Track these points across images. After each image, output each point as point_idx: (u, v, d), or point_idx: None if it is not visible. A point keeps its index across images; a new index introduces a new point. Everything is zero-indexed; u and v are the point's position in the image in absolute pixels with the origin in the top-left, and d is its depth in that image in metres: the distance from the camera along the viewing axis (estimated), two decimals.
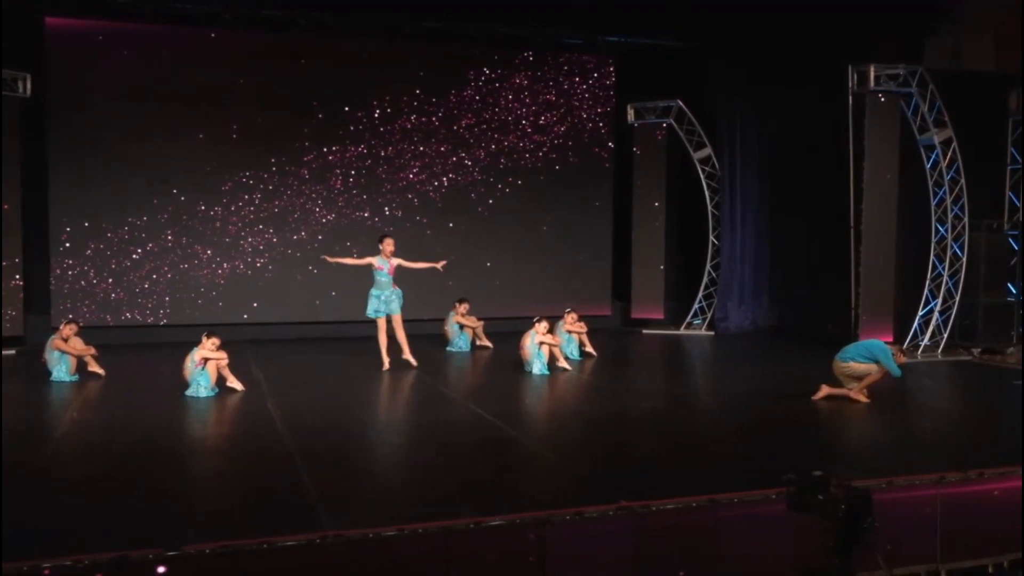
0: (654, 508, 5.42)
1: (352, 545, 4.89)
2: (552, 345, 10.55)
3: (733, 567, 5.29)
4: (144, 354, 11.83)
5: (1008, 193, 12.58)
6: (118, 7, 12.23)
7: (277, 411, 8.24)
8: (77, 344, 9.85)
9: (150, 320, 12.97)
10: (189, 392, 8.85)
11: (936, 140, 11.79)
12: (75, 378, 9.77)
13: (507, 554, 5.09)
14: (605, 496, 5.56)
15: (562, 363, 10.62)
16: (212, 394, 8.88)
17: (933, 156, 11.90)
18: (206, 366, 8.88)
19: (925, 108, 11.71)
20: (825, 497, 3.32)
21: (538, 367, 10.34)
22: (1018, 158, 12.52)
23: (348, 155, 13.70)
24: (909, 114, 11.84)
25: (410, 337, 10.77)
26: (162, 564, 4.58)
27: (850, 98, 11.93)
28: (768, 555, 5.32)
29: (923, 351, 11.81)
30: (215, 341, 9.03)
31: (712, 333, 14.32)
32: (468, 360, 11.88)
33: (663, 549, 5.32)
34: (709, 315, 14.65)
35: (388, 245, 10.42)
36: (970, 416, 8.98)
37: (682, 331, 14.56)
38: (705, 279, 14.69)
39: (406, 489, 5.96)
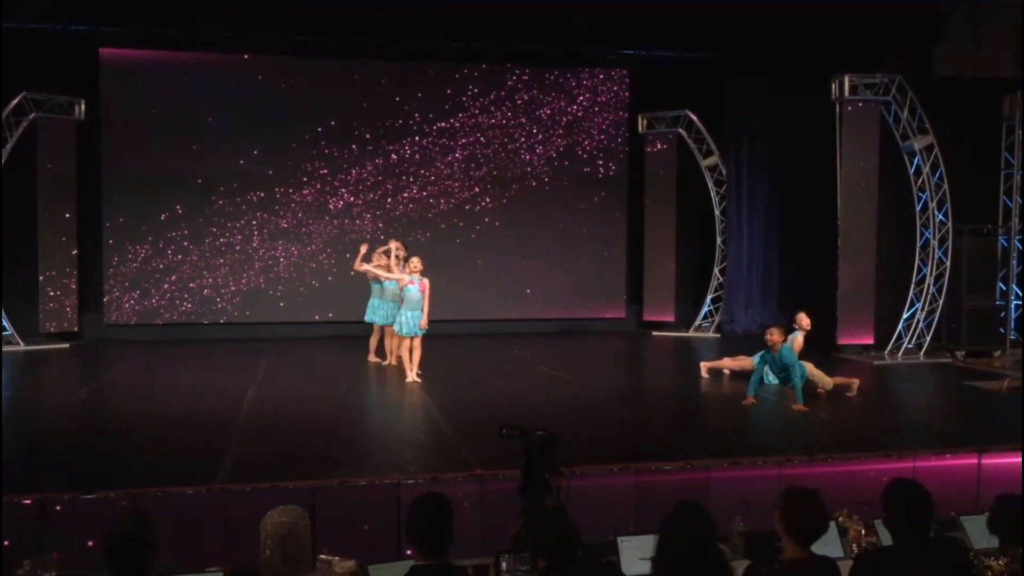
0: (500, 476, 6.22)
1: (231, 496, 5.89)
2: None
3: None
4: (185, 349, 13.21)
5: (1002, 197, 12.66)
6: (166, 38, 13.71)
7: (252, 396, 9.36)
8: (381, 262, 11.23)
9: (194, 319, 14.37)
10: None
11: (917, 147, 12.02)
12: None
13: (366, 509, 6.01)
14: (465, 465, 6.45)
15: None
16: None
17: (916, 162, 12.14)
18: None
19: (905, 115, 11.96)
20: (522, 444, 4.12)
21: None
22: (1012, 162, 12.58)
23: (365, 168, 14.80)
24: (890, 121, 12.11)
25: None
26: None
27: (837, 107, 12.30)
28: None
29: (905, 353, 12.06)
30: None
31: (719, 335, 14.78)
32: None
33: (505, 511, 6.10)
34: (717, 318, 15.11)
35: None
36: (887, 410, 9.46)
37: (690, 333, 15.07)
38: (713, 283, 15.16)
39: (304, 456, 6.95)
